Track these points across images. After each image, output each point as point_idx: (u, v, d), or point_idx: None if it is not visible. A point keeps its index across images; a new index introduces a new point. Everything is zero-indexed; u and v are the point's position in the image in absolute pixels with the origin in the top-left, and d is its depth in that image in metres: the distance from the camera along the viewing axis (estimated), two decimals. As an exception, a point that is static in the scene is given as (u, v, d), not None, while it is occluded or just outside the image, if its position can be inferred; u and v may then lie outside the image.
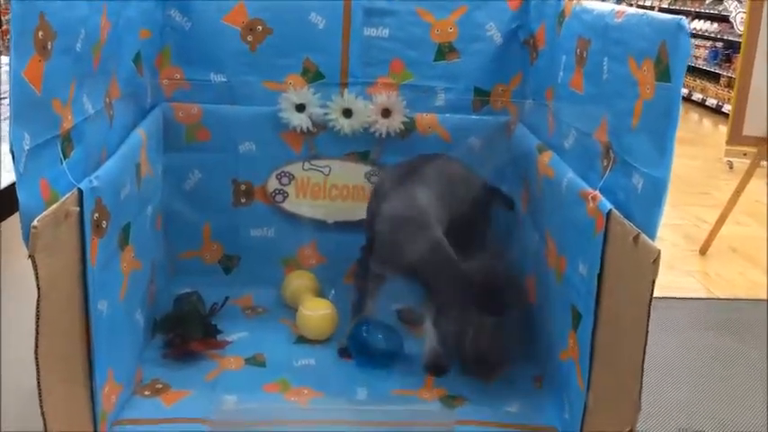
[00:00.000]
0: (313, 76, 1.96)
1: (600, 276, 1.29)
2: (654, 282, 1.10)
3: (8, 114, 1.55)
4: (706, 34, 7.65)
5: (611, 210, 1.26)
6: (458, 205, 1.76)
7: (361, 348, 1.72)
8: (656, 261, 1.09)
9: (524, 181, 1.85)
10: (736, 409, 2.08)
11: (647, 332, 1.12)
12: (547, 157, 1.65)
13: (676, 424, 1.99)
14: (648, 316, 1.11)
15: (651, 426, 1.96)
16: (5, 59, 2.10)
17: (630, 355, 1.15)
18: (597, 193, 1.33)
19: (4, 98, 1.72)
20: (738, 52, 3.43)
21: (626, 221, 1.20)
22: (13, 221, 1.18)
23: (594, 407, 1.33)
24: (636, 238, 1.15)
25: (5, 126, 1.46)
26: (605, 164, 1.35)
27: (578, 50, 1.51)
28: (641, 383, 1.13)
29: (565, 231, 1.51)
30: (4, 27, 2.77)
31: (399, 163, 1.88)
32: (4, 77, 1.92)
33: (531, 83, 1.91)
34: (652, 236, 1.13)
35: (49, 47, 1.12)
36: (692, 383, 2.21)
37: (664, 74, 1.14)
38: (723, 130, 4.75)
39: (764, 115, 3.25)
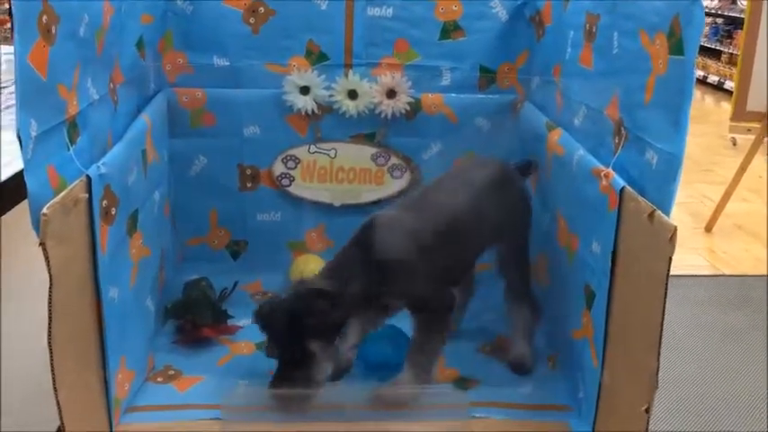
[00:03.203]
0: (317, 57, 1.94)
1: (614, 254, 1.28)
2: (671, 258, 1.08)
3: (8, 104, 1.54)
4: (706, 11, 7.59)
5: (624, 187, 1.24)
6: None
7: (365, 359, 1.62)
8: (672, 238, 1.07)
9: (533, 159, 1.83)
10: (743, 382, 2.09)
11: (665, 309, 1.11)
12: (556, 135, 1.63)
13: (684, 396, 2.00)
14: (666, 293, 1.10)
15: (660, 398, 1.97)
16: (5, 49, 2.08)
17: (647, 332, 1.14)
18: (610, 170, 1.32)
19: (5, 87, 1.71)
20: (739, 28, 3.40)
21: (640, 198, 1.19)
22: (10, 217, 1.17)
23: (610, 385, 1.32)
24: (651, 214, 1.14)
25: (5, 116, 1.45)
26: (617, 140, 1.33)
27: (587, 26, 1.49)
28: (659, 361, 1.12)
29: (576, 210, 1.49)
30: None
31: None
32: (5, 67, 1.90)
33: (538, 60, 1.89)
34: (667, 212, 1.12)
35: (54, 31, 1.11)
36: (699, 358, 2.21)
37: (677, 47, 1.12)
38: (725, 107, 4.73)
39: (768, 91, 3.23)
